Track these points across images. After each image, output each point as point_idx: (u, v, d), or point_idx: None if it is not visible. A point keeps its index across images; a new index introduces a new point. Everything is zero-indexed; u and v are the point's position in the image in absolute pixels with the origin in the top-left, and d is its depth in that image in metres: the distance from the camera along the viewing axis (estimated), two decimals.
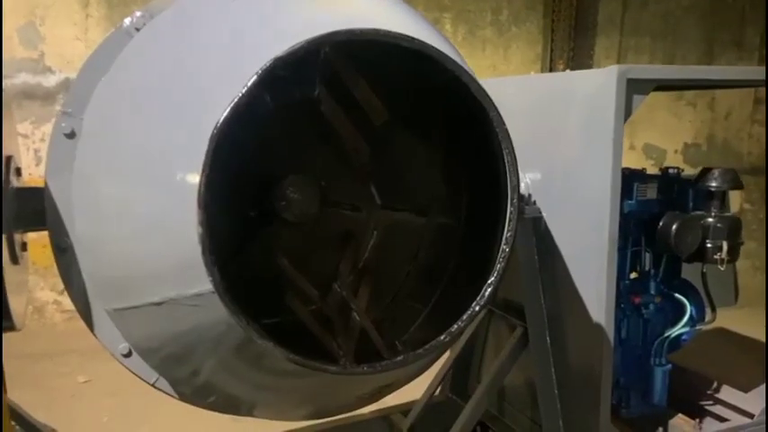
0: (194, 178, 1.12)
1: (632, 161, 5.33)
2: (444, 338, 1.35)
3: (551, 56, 4.92)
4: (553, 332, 2.06)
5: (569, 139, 1.95)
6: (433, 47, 1.27)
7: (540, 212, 2.04)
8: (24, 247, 1.67)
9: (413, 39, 1.25)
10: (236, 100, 1.12)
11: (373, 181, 1.81)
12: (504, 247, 1.40)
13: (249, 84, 1.13)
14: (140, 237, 1.24)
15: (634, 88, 1.75)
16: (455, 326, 1.36)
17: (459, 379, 2.51)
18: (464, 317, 1.36)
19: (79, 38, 4.42)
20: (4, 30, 4.22)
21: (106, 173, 1.31)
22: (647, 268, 2.23)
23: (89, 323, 1.55)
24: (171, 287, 1.21)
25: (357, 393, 1.53)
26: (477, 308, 1.37)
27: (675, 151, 5.78)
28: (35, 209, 1.53)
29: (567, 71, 2.03)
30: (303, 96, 1.57)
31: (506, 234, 1.41)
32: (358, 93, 1.54)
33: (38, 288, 4.24)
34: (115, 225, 1.28)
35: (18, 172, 1.65)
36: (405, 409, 2.38)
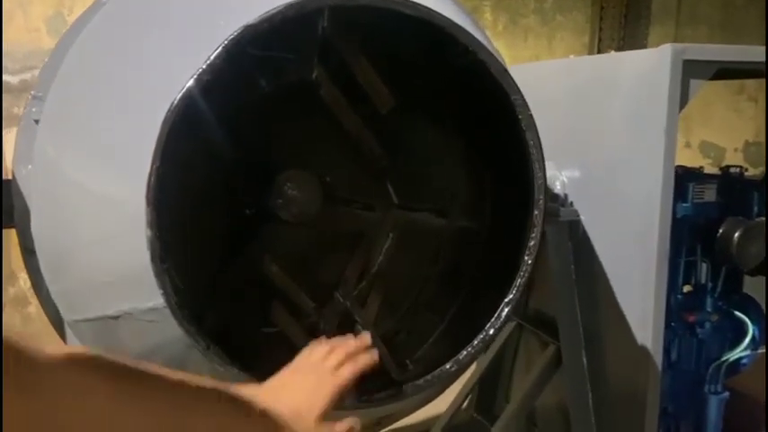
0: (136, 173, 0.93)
1: (688, 161, 4.93)
2: (450, 368, 1.14)
3: (599, 46, 4.59)
4: (590, 352, 1.81)
5: (614, 130, 1.70)
6: (442, 15, 1.05)
7: (578, 215, 1.79)
8: None
9: (417, 5, 1.03)
10: (195, 76, 0.93)
11: (389, 177, 1.61)
12: (527, 259, 1.18)
13: (212, 57, 0.93)
14: (94, 237, 1.06)
15: (691, 71, 1.48)
16: (464, 352, 1.14)
17: (486, 397, 2.28)
18: (475, 342, 1.15)
19: None
20: (32, 21, 4.17)
21: (58, 162, 1.13)
22: (702, 281, 1.96)
23: (61, 334, 1.40)
24: (125, 299, 1.03)
25: None
26: (491, 331, 1.15)
27: (735, 150, 5.36)
28: (4, 204, 1.38)
29: (612, 52, 1.77)
30: (300, 79, 1.37)
31: (530, 243, 1.18)
32: (361, 76, 1.33)
33: None
34: (68, 222, 1.11)
35: None
36: (423, 429, 2.16)
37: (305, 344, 1.35)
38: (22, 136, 1.35)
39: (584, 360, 1.80)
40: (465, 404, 2.27)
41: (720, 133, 5.32)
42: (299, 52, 1.34)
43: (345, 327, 1.48)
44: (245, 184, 1.46)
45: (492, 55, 1.09)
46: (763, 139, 5.51)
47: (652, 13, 4.83)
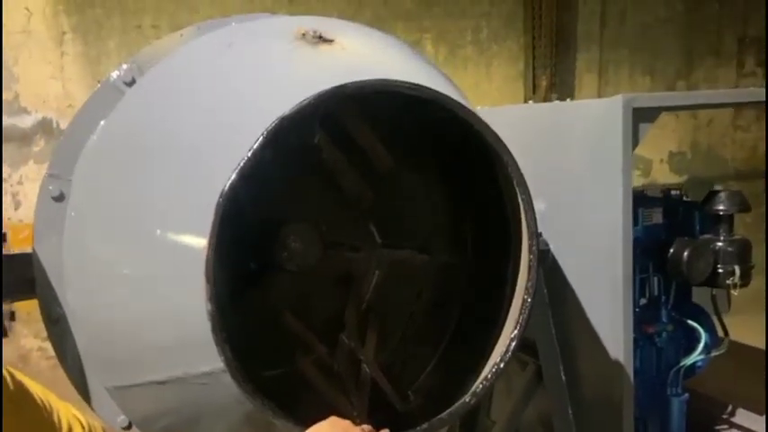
0: (199, 248, 1.04)
1: None
2: (470, 400, 1.28)
3: (534, 72, 4.92)
4: (567, 367, 1.99)
5: (574, 170, 1.90)
6: (446, 96, 1.21)
7: (548, 245, 1.98)
8: (12, 316, 1.57)
9: (424, 87, 1.18)
10: (241, 164, 1.05)
11: (373, 219, 1.74)
12: (526, 298, 1.34)
13: (255, 147, 1.06)
14: (139, 311, 1.15)
15: (640, 117, 1.70)
16: (480, 385, 1.29)
17: (469, 416, 2.43)
18: (488, 375, 1.29)
19: (55, 76, 4.31)
20: None
21: (99, 240, 1.22)
22: (656, 294, 2.18)
23: (86, 398, 1.45)
24: (176, 365, 1.12)
25: None
26: (502, 364, 1.30)
27: (661, 161, 5.80)
28: (22, 277, 1.44)
29: (569, 101, 1.99)
30: (303, 144, 1.50)
31: (527, 284, 1.34)
32: (362, 140, 1.48)
33: (21, 335, 4.09)
34: (110, 297, 1.19)
35: (4, 237, 1.56)
36: None
37: (329, 390, 1.47)
38: (40, 213, 1.41)
39: (563, 375, 1.98)
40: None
41: (646, 146, 5.73)
42: (302, 122, 1.46)
43: (352, 364, 1.60)
44: (245, 237, 1.56)
45: (486, 124, 1.25)
46: (685, 149, 5.97)
47: (578, 40, 5.20)
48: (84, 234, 1.25)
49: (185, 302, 1.07)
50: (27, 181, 4.24)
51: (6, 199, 4.20)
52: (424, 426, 1.25)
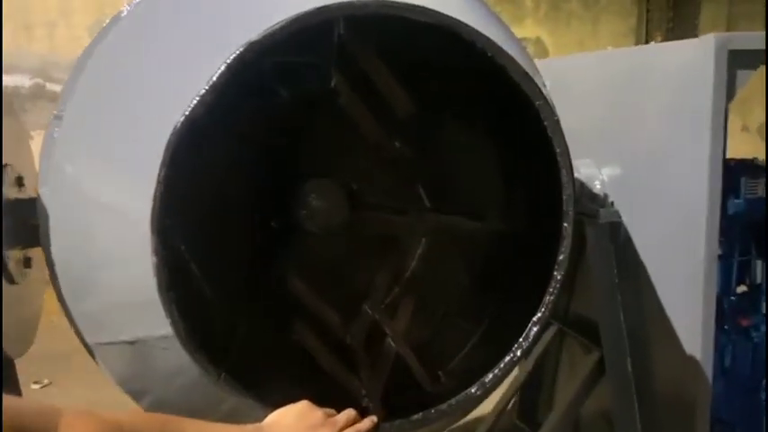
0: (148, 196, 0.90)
1: (746, 145, 4.66)
2: (476, 391, 1.08)
3: (647, 28, 4.40)
4: (636, 359, 1.72)
5: (656, 125, 1.60)
6: (456, 20, 0.99)
7: (620, 216, 1.69)
8: (27, 263, 1.53)
9: (427, 10, 0.97)
10: (198, 98, 0.89)
11: (420, 180, 1.56)
12: (556, 274, 1.11)
13: (214, 78, 0.90)
14: (106, 265, 1.04)
15: (738, 62, 1.38)
16: (490, 375, 1.08)
17: (528, 403, 2.20)
18: (502, 365, 1.08)
19: None
20: (75, 30, 4.27)
21: (70, 185, 1.13)
22: (758, 281, 1.83)
23: (90, 352, 1.40)
24: (139, 326, 1.01)
25: None
26: (518, 352, 1.09)
27: None
28: (26, 223, 1.38)
29: (652, 43, 1.67)
30: (320, 87, 1.33)
31: (559, 257, 1.11)
32: (379, 81, 1.29)
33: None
34: (84, 244, 1.09)
35: (19, 182, 1.52)
36: None
37: (332, 365, 1.32)
38: (44, 156, 1.34)
39: (629, 368, 1.71)
40: (508, 407, 2.21)
41: None
42: (317, 59, 1.30)
43: (374, 339, 1.44)
44: (272, 196, 1.44)
45: (511, 58, 1.02)
46: None
47: None
48: (60, 180, 1.16)
49: (142, 256, 0.94)
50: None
51: None
52: (418, 416, 1.07)
